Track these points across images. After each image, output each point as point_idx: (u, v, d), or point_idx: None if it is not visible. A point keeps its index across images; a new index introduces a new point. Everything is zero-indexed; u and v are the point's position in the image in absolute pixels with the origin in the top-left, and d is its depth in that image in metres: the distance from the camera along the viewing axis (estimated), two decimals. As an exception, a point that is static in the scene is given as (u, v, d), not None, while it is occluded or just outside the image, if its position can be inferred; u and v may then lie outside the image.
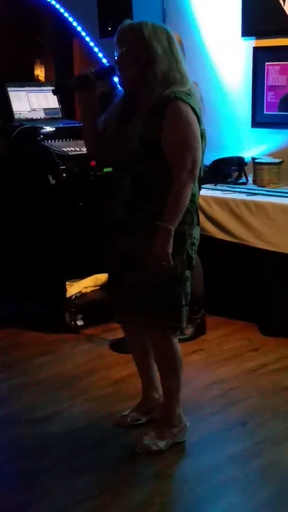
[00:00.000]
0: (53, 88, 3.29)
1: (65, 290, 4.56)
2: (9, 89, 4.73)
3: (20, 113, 4.75)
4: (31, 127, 4.58)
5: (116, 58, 2.95)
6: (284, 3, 4.83)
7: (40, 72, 5.76)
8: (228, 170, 4.89)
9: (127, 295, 3.05)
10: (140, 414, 3.37)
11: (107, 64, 3.11)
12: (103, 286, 4.71)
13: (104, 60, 5.48)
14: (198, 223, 3.07)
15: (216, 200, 4.58)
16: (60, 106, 4.94)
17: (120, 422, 3.35)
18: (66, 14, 5.49)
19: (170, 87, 2.87)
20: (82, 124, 3.11)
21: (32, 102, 4.82)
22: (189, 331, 4.39)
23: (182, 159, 2.86)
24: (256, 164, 4.79)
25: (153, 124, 2.86)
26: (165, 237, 2.86)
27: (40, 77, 5.74)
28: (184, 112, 2.86)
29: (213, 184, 4.81)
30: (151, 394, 3.38)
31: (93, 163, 4.44)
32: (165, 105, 2.86)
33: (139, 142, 2.87)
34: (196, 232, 3.05)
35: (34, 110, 4.82)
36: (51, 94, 4.86)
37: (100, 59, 5.36)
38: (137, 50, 2.87)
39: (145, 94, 2.89)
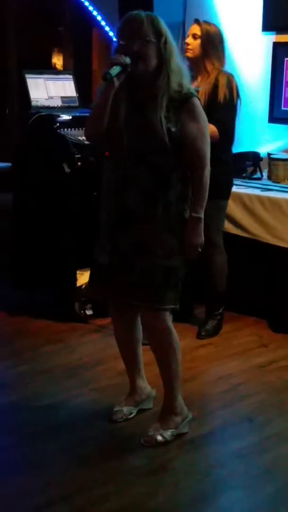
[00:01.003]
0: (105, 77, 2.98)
1: (75, 279, 4.56)
2: (27, 76, 4.72)
3: (37, 101, 4.74)
4: (47, 115, 4.57)
5: (136, 47, 2.92)
6: (305, -1, 4.80)
7: (57, 61, 5.75)
8: (243, 165, 4.87)
9: (137, 280, 3.05)
10: (132, 407, 3.39)
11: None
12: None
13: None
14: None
15: (231, 194, 4.55)
16: (77, 95, 4.93)
17: (114, 417, 3.35)
18: (86, 3, 5.48)
19: (181, 79, 3.01)
20: (100, 109, 3.01)
21: (50, 90, 4.81)
22: (210, 326, 4.39)
23: (204, 152, 3.04)
24: (272, 159, 4.76)
25: (174, 118, 2.96)
26: (200, 226, 3.07)
27: (57, 66, 5.72)
28: (201, 110, 3.06)
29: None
30: (140, 384, 3.41)
31: (107, 153, 4.42)
32: (184, 101, 2.99)
33: (168, 135, 2.94)
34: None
35: (52, 98, 4.81)
36: (69, 82, 4.89)
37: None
38: (158, 43, 2.96)
39: (163, 85, 2.96)
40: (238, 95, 4.24)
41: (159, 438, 3.13)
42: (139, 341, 3.37)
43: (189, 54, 4.24)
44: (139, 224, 3.04)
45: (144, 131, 2.96)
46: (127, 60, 2.91)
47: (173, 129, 2.95)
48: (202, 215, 3.07)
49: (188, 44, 4.26)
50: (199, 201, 3.07)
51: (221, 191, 4.23)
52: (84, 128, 3.27)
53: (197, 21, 4.29)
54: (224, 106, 4.15)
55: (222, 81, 4.17)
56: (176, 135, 2.96)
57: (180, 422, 3.21)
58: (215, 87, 4.16)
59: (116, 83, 2.95)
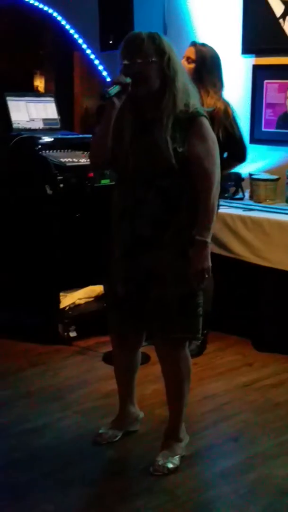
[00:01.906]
0: (109, 90, 2.92)
1: (59, 301, 4.55)
2: (8, 98, 4.73)
3: (18, 123, 4.75)
4: (29, 137, 4.58)
5: (136, 68, 2.87)
6: (284, 23, 4.86)
7: (39, 83, 5.77)
8: (225, 186, 4.90)
9: (153, 309, 3.00)
10: (118, 430, 3.35)
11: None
12: (98, 298, 4.70)
13: (105, 73, 5.50)
14: None
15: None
16: (59, 117, 4.95)
17: (98, 440, 3.31)
18: (67, 26, 5.52)
19: (189, 98, 2.93)
20: (102, 131, 2.99)
21: (31, 112, 4.82)
22: (195, 346, 4.39)
23: (212, 175, 2.94)
24: (253, 180, 4.80)
25: (181, 139, 2.89)
26: (205, 251, 2.95)
27: (39, 88, 5.75)
28: (209, 129, 2.97)
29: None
30: (130, 409, 3.37)
31: (90, 174, 4.45)
32: (191, 121, 2.92)
33: (175, 156, 2.87)
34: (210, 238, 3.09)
35: (33, 120, 4.82)
36: (50, 104, 4.91)
37: (100, 72, 5.38)
38: (160, 61, 2.89)
39: (168, 104, 2.89)
40: (234, 126, 4.21)
41: (170, 465, 3.07)
42: (137, 367, 3.32)
43: None
44: (150, 251, 2.96)
45: (150, 153, 2.89)
46: (127, 80, 2.86)
47: (180, 150, 2.88)
48: (208, 239, 2.94)
49: None
50: (205, 224, 2.94)
51: None
52: (88, 153, 3.20)
53: (193, 44, 4.24)
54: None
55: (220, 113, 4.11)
56: (184, 156, 2.88)
57: (184, 446, 3.18)
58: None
59: (117, 103, 2.90)
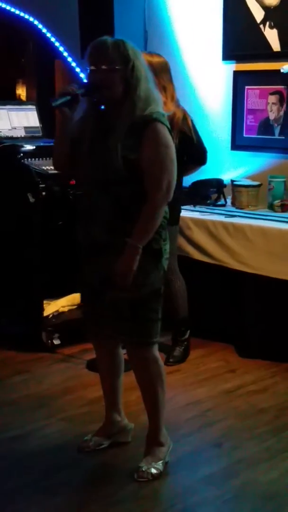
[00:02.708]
0: (56, 99, 2.97)
1: (42, 309, 4.54)
2: (-11, 107, 4.73)
3: (0, 131, 4.75)
4: (11, 145, 4.59)
5: (99, 75, 2.88)
6: (264, 28, 4.90)
7: (21, 92, 5.76)
8: (207, 192, 4.93)
9: (108, 313, 3.04)
10: (103, 438, 3.34)
11: (86, 81, 3.01)
12: (81, 306, 4.69)
13: (86, 81, 5.50)
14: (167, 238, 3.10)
15: (195, 221, 4.60)
16: (41, 125, 4.95)
17: (82, 446, 3.31)
18: (48, 35, 5.52)
19: (149, 105, 2.90)
20: (57, 139, 3.06)
21: (13, 120, 4.82)
22: (178, 352, 4.39)
23: (158, 181, 2.89)
24: (235, 186, 4.82)
25: (133, 145, 2.87)
26: (133, 255, 2.90)
27: (21, 97, 5.74)
28: (162, 134, 2.90)
29: (192, 206, 4.83)
30: (114, 417, 3.36)
31: (73, 182, 4.44)
32: (144, 126, 2.88)
33: (123, 164, 2.85)
34: (168, 247, 3.08)
35: (15, 128, 4.83)
36: (32, 112, 4.92)
37: (81, 79, 5.38)
38: (124, 69, 2.87)
39: (126, 112, 2.89)
40: (192, 130, 4.24)
41: (154, 471, 3.07)
42: (118, 373, 3.31)
43: None
44: (104, 255, 2.98)
45: (103, 160, 2.90)
46: (79, 91, 2.88)
47: (131, 157, 2.86)
48: (140, 245, 2.89)
49: None
50: (141, 228, 2.89)
51: (171, 217, 4.26)
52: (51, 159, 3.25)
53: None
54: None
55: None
56: (135, 163, 2.85)
57: (166, 451, 3.18)
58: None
59: (68, 113, 2.93)
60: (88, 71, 2.93)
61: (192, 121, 4.28)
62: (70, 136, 3.01)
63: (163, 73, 4.15)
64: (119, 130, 2.89)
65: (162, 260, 3.02)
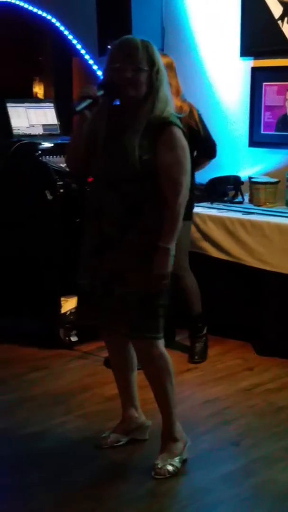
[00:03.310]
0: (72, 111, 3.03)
1: (60, 306, 4.56)
2: (8, 105, 4.75)
3: (19, 129, 4.77)
4: (29, 143, 4.60)
5: (128, 74, 2.90)
6: (282, 24, 4.87)
7: (39, 90, 5.78)
8: (224, 189, 4.91)
9: (116, 307, 3.05)
10: (121, 435, 3.35)
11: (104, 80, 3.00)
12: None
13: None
14: None
15: (212, 218, 4.60)
16: (59, 123, 4.96)
17: (100, 443, 3.32)
18: (66, 32, 5.53)
19: (166, 106, 2.96)
20: (74, 140, 3.08)
21: (31, 118, 4.84)
22: (199, 349, 4.39)
23: (179, 182, 2.96)
24: (253, 183, 4.80)
25: (149, 146, 2.91)
26: (167, 257, 2.97)
27: (39, 95, 5.76)
28: (179, 138, 2.97)
29: (209, 203, 4.83)
30: (131, 413, 3.36)
31: (90, 179, 4.44)
32: (161, 129, 2.93)
33: (140, 163, 2.89)
34: (174, 245, 3.08)
35: (33, 126, 4.84)
36: (50, 110, 4.93)
37: (99, 77, 5.39)
38: (151, 71, 2.93)
39: (146, 113, 2.93)
40: (199, 124, 4.25)
41: (170, 468, 3.08)
42: (131, 368, 3.32)
43: None
44: (115, 251, 3.01)
45: (118, 158, 2.94)
46: (99, 93, 2.90)
47: (145, 157, 2.90)
48: (170, 246, 2.97)
49: None
50: (169, 231, 2.97)
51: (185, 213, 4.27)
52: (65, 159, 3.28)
53: None
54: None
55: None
56: (148, 164, 2.90)
57: (182, 447, 3.17)
58: None
59: (88, 115, 2.95)
60: (111, 68, 2.94)
61: (199, 114, 4.28)
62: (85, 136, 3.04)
63: (168, 70, 4.13)
64: (136, 129, 2.92)
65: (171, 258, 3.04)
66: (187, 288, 4.37)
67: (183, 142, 2.98)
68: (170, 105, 3.01)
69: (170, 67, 4.17)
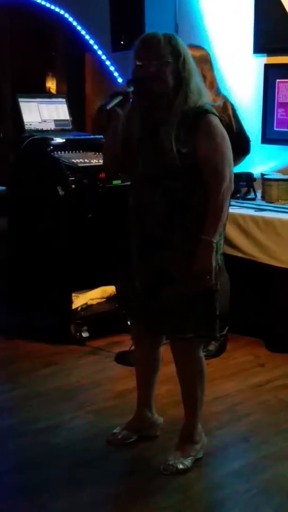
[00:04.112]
0: (108, 101, 2.97)
1: (71, 302, 4.56)
2: (20, 100, 4.75)
3: (30, 124, 4.77)
4: (41, 138, 4.60)
5: (152, 68, 2.87)
6: (296, 21, 4.85)
7: (51, 85, 5.80)
8: (237, 186, 4.86)
9: (163, 308, 3.00)
10: (132, 432, 3.33)
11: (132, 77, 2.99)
12: (109, 298, 4.71)
13: (116, 74, 5.51)
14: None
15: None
16: (71, 118, 4.96)
17: (111, 439, 3.31)
18: (79, 28, 5.54)
19: (199, 98, 2.91)
20: (111, 141, 3.05)
21: (43, 114, 4.84)
22: (213, 347, 4.38)
23: (222, 173, 2.89)
24: (265, 180, 4.79)
25: (186, 138, 2.86)
26: (209, 251, 2.89)
27: (51, 90, 5.77)
28: (218, 126, 2.92)
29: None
30: (145, 412, 3.35)
31: (102, 175, 4.46)
32: (197, 119, 2.88)
33: (178, 156, 2.84)
34: (222, 242, 3.06)
35: (45, 121, 4.84)
36: (62, 105, 4.93)
37: (111, 73, 5.39)
38: (176, 63, 2.89)
39: (179, 105, 2.88)
40: (233, 119, 4.20)
41: (181, 466, 3.06)
42: (156, 369, 3.29)
43: None
44: (159, 250, 2.95)
45: (156, 154, 2.89)
46: (129, 89, 2.88)
47: (183, 150, 2.84)
48: (214, 239, 2.88)
49: None
50: (212, 223, 2.87)
51: None
52: (99, 153, 3.23)
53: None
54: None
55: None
56: (188, 156, 2.84)
57: (199, 449, 3.16)
58: None
59: (120, 112, 2.93)
60: (136, 65, 2.92)
61: (233, 109, 4.23)
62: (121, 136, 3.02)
63: (203, 63, 4.13)
64: (171, 123, 2.88)
65: (217, 256, 2.97)
66: None
67: (222, 130, 2.92)
68: (204, 96, 2.95)
69: (205, 60, 4.16)
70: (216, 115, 2.93)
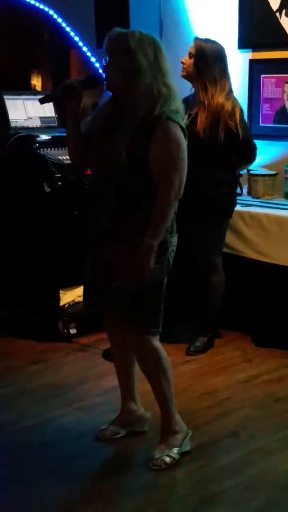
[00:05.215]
0: (40, 97, 3.24)
1: (58, 299, 4.55)
2: (5, 97, 4.74)
3: (16, 121, 4.76)
4: (27, 135, 4.59)
5: (103, 66, 2.94)
6: (280, 16, 4.86)
7: (37, 82, 5.77)
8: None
9: (113, 300, 3.04)
10: (120, 427, 3.35)
11: (94, 73, 3.09)
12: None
13: (101, 70, 5.50)
14: (176, 230, 3.08)
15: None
16: (57, 115, 4.95)
17: (99, 436, 3.33)
18: (63, 24, 5.52)
19: (156, 101, 2.86)
20: (68, 131, 3.12)
21: (29, 111, 4.83)
22: (201, 343, 4.39)
23: (170, 179, 2.88)
24: (251, 175, 4.80)
25: (141, 141, 2.86)
26: (148, 253, 2.90)
27: (37, 87, 5.75)
28: (173, 133, 2.87)
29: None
30: (130, 406, 3.37)
31: (88, 172, 4.44)
32: (155, 125, 2.86)
33: (128, 158, 2.85)
34: (175, 239, 3.07)
35: (31, 118, 4.83)
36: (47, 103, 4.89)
37: (97, 69, 5.38)
38: (121, 61, 2.86)
39: (129, 106, 2.88)
40: (239, 127, 4.10)
41: (167, 459, 3.08)
42: (131, 361, 3.31)
43: (183, 74, 4.15)
44: (110, 244, 3.00)
45: (110, 153, 2.91)
46: (71, 82, 2.99)
47: (137, 152, 2.84)
48: (154, 243, 2.88)
49: (183, 63, 4.17)
50: (155, 225, 2.88)
51: (222, 212, 4.26)
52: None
53: (195, 39, 4.17)
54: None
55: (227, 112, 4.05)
56: (140, 158, 2.85)
57: (182, 439, 3.17)
58: (214, 114, 4.05)
59: (71, 104, 3.02)
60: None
61: (241, 115, 4.14)
62: (82, 129, 3.06)
63: (216, 64, 4.08)
64: (126, 125, 2.88)
65: (167, 253, 3.01)
66: (209, 285, 4.35)
67: (179, 138, 2.88)
68: (163, 96, 2.87)
69: (218, 59, 4.09)
70: (177, 122, 2.88)
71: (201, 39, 4.18)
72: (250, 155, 4.28)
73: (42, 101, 3.21)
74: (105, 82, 2.96)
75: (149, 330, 3.07)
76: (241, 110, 4.17)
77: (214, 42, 4.19)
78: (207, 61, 4.08)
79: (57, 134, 4.70)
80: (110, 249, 3.01)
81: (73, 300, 4.66)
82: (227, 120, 4.05)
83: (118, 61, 2.87)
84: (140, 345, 3.11)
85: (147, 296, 3.01)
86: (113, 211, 2.96)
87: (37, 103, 4.80)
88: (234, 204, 4.36)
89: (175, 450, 3.12)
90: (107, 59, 2.91)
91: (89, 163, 3.16)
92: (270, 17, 4.89)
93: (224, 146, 4.09)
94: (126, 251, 2.96)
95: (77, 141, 3.08)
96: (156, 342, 3.11)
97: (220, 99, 4.05)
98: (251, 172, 4.81)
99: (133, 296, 2.99)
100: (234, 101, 4.14)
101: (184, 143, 2.92)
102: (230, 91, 4.18)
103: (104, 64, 2.94)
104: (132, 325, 3.06)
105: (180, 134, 2.90)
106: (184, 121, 2.96)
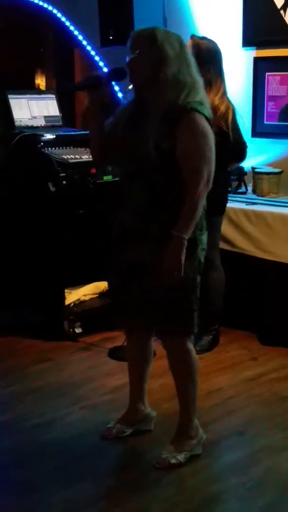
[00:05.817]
0: (65, 87, 3.23)
1: (63, 298, 4.56)
2: (10, 96, 4.73)
3: (20, 121, 4.76)
4: (31, 135, 4.59)
5: (128, 61, 2.91)
6: (285, 14, 4.85)
7: (41, 81, 5.79)
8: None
9: (137, 302, 3.01)
10: (126, 426, 3.34)
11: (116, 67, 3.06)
12: (102, 294, 4.71)
13: (105, 69, 5.50)
14: (206, 228, 3.06)
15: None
16: (61, 114, 4.95)
17: (105, 434, 3.33)
18: (67, 23, 5.53)
19: (182, 89, 2.87)
20: (89, 128, 3.10)
21: (33, 110, 4.83)
22: (206, 341, 4.38)
23: (199, 171, 2.86)
24: (256, 173, 4.79)
25: (167, 134, 2.84)
26: (179, 247, 2.87)
27: (41, 86, 5.76)
28: (199, 124, 2.87)
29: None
30: (138, 406, 3.36)
31: (93, 170, 4.46)
32: (180, 116, 2.85)
33: (155, 150, 2.83)
34: (205, 238, 3.04)
35: (35, 117, 4.83)
36: (52, 101, 4.91)
37: (101, 68, 5.38)
38: (149, 53, 2.87)
39: (155, 96, 2.87)
40: (231, 128, 4.12)
41: (173, 461, 3.07)
42: (147, 362, 3.30)
43: None
44: (135, 242, 2.96)
45: (136, 147, 2.88)
46: (97, 73, 3.00)
47: (163, 146, 2.82)
48: (185, 236, 2.85)
49: None
50: (185, 220, 2.85)
51: (216, 210, 4.24)
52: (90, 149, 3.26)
53: (191, 36, 4.16)
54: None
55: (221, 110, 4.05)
56: (168, 152, 2.83)
57: (194, 444, 3.16)
58: None
59: (95, 98, 2.99)
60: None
61: (234, 117, 4.14)
62: (107, 126, 3.05)
63: (210, 64, 4.06)
64: (152, 118, 2.87)
65: (198, 251, 2.97)
66: (209, 282, 4.33)
67: (205, 129, 2.87)
68: (188, 89, 2.88)
69: (213, 59, 4.08)
70: (202, 113, 2.88)
71: (198, 37, 4.19)
72: (240, 155, 4.32)
73: (67, 90, 3.19)
74: (130, 76, 2.93)
75: (186, 330, 3.04)
76: (233, 111, 4.18)
77: (210, 40, 4.20)
78: (203, 59, 4.06)
79: (61, 133, 4.71)
80: (135, 249, 2.96)
81: (79, 299, 4.67)
82: (218, 122, 4.05)
83: (146, 53, 2.87)
84: (176, 346, 3.07)
85: (182, 294, 2.97)
86: (140, 208, 2.92)
87: (42, 102, 4.88)
88: (226, 201, 4.39)
89: (183, 454, 3.11)
90: (135, 53, 2.89)
91: (113, 162, 3.16)
92: (275, 14, 4.88)
93: (216, 143, 4.09)
94: (153, 249, 2.91)
95: (101, 135, 3.05)
96: (190, 345, 3.09)
97: (215, 101, 4.05)
98: (256, 170, 4.81)
99: (169, 295, 2.94)
100: (228, 103, 4.15)
101: (211, 133, 2.90)
102: (225, 92, 4.17)
103: (128, 60, 2.92)
104: (169, 326, 3.01)
105: (205, 125, 2.88)
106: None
